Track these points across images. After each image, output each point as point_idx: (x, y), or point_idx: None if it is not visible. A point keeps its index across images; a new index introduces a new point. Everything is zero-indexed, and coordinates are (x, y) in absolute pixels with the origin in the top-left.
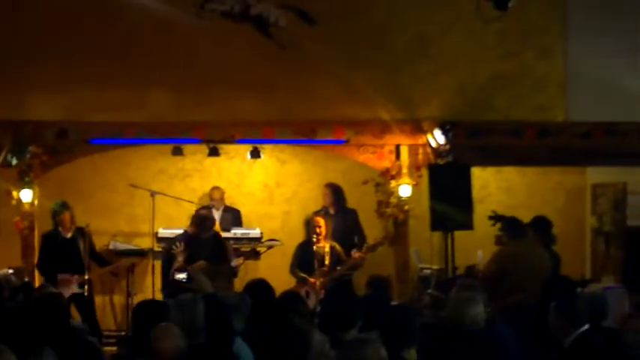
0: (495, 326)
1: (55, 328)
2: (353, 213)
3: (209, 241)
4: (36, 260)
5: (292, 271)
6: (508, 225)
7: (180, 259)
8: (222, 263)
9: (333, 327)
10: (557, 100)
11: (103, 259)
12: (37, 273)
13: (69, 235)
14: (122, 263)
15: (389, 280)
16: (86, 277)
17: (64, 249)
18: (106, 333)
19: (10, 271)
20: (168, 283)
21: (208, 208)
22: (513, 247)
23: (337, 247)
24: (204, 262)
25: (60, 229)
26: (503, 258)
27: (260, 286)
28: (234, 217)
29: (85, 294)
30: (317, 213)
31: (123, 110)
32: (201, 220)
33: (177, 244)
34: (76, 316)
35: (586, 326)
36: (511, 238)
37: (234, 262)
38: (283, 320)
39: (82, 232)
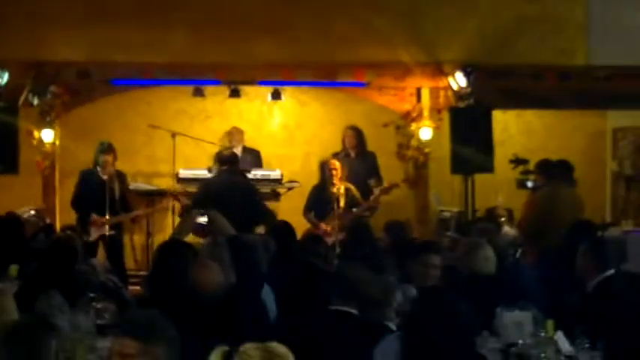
0: (511, 269)
1: (65, 271)
2: (372, 156)
3: None
4: (71, 197)
5: (305, 215)
6: (545, 167)
7: None
8: None
9: None
10: (578, 44)
11: (130, 206)
12: (57, 214)
13: (106, 176)
14: (141, 212)
15: (406, 224)
16: (116, 219)
17: (99, 189)
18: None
19: (32, 212)
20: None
21: (229, 148)
22: (551, 190)
23: (352, 189)
24: None
25: (98, 169)
26: (543, 201)
27: (283, 229)
28: (253, 157)
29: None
30: (336, 155)
31: (144, 51)
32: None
33: None
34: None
35: (611, 270)
36: (549, 179)
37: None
38: (306, 263)
39: (119, 175)
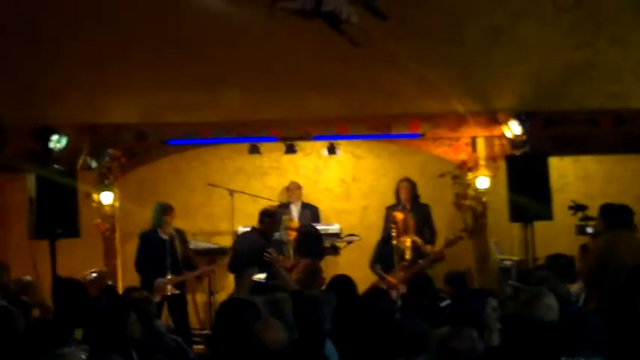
0: (575, 317)
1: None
2: (427, 207)
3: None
4: (134, 260)
5: (372, 267)
6: (607, 211)
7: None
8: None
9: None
10: (632, 88)
11: (193, 264)
12: (119, 275)
13: (165, 236)
14: (205, 270)
15: (466, 275)
16: (179, 278)
17: (161, 250)
18: None
19: (94, 274)
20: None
21: (287, 205)
22: (613, 235)
23: (419, 241)
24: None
25: (158, 229)
26: (605, 247)
27: (344, 283)
28: (312, 213)
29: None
30: (392, 208)
31: (199, 111)
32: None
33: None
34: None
35: None
36: (610, 224)
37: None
38: (368, 318)
39: (179, 234)
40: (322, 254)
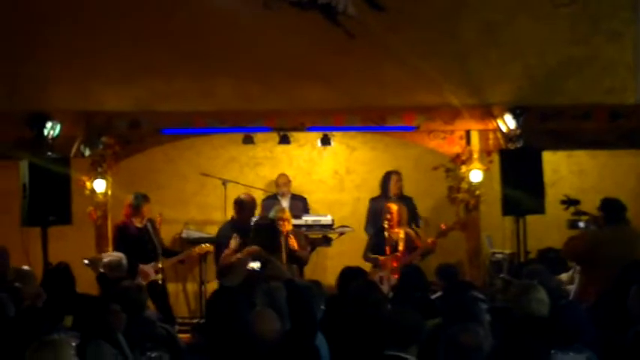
0: (565, 311)
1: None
2: (411, 200)
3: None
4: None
5: (366, 257)
6: (609, 206)
7: (232, 246)
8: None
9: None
10: (627, 83)
11: (168, 249)
12: None
13: (141, 225)
14: (191, 252)
15: (458, 268)
16: (160, 264)
17: (138, 238)
18: (179, 320)
19: (86, 261)
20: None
21: (275, 196)
22: (611, 232)
23: (412, 233)
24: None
25: (133, 219)
26: (599, 243)
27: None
28: (303, 204)
29: (160, 282)
30: (377, 199)
31: (193, 100)
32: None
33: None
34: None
35: None
36: (609, 221)
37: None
38: (358, 309)
39: (151, 222)
40: (277, 248)
